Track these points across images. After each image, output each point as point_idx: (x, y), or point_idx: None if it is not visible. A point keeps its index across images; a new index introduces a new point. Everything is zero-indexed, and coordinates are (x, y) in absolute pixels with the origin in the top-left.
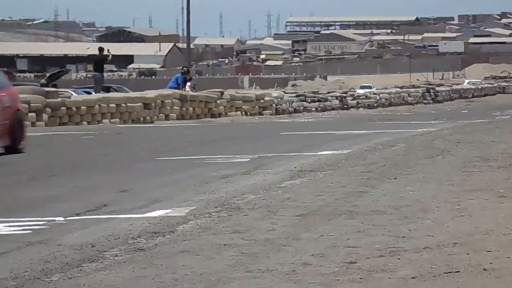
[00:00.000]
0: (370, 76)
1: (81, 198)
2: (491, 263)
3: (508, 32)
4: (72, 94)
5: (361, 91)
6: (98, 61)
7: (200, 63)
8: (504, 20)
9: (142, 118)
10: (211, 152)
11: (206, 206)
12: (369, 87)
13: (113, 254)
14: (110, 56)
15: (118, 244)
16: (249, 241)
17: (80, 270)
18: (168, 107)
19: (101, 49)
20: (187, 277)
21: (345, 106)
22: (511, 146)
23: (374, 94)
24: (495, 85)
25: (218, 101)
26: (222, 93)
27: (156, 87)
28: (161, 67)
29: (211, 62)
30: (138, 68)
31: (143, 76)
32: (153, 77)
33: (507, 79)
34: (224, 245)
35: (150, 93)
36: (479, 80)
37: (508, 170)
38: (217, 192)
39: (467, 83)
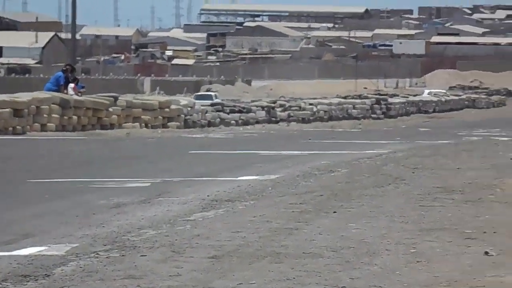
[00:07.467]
0: (306, 82)
1: None
2: None
3: (481, 30)
4: None
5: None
6: None
7: (89, 59)
8: (476, 15)
9: (11, 128)
10: (100, 174)
11: (92, 243)
12: (209, 98)
13: None
14: None
15: None
16: None
17: None
18: (45, 115)
19: None
20: None
21: (274, 119)
22: (482, 174)
23: (311, 104)
24: (463, 97)
25: (110, 109)
26: (116, 98)
27: (31, 88)
28: (37, 63)
29: (102, 58)
30: (8, 64)
31: (14, 74)
32: (27, 75)
33: (478, 90)
34: None
35: (23, 96)
36: (443, 91)
37: (477, 205)
38: (107, 225)
39: (428, 94)
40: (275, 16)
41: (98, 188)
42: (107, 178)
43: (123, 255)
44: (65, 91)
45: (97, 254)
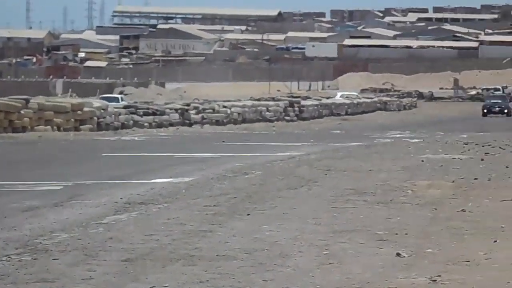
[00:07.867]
0: (220, 84)
1: None
2: None
3: (392, 33)
4: None
5: (95, 104)
6: None
7: (0, 62)
8: (387, 18)
9: None
10: (11, 177)
11: (4, 246)
12: (115, 100)
13: None
14: None
15: None
16: None
17: None
18: None
19: None
20: None
21: (187, 122)
22: (393, 176)
23: (225, 107)
24: (375, 99)
25: (22, 111)
26: (27, 100)
27: None
28: None
29: (14, 61)
30: None
31: None
32: None
33: (390, 93)
34: None
35: None
36: (355, 93)
37: (389, 206)
38: (19, 229)
39: (340, 97)
40: (189, 19)
41: (9, 191)
42: (19, 181)
43: (35, 259)
44: None
45: (9, 257)
